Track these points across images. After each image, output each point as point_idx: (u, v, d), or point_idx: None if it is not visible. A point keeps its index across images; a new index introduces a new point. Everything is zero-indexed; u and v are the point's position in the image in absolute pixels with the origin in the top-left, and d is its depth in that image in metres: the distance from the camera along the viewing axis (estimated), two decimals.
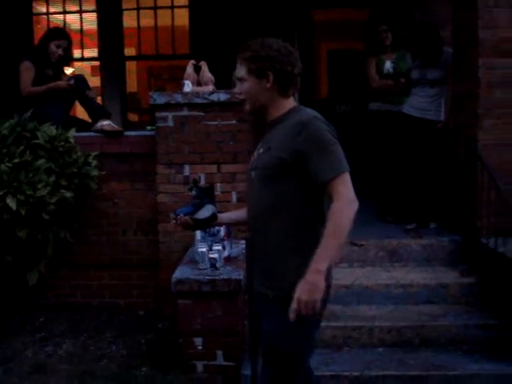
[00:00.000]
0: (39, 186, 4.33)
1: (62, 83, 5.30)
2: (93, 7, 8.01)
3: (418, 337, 4.26)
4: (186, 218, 2.71)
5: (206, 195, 2.76)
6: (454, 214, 5.34)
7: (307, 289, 2.27)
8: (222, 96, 4.74)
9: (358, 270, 4.87)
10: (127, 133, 5.26)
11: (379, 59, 6.01)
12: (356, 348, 4.23)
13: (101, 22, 7.98)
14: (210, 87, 5.00)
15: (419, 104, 5.52)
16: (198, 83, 5.06)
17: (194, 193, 2.83)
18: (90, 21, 8.07)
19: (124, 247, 5.14)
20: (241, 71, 2.56)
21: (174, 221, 2.76)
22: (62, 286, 5.25)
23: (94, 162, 4.76)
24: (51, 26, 7.98)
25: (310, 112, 2.49)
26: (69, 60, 5.81)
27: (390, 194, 5.88)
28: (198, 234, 4.27)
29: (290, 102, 2.57)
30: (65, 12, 8.09)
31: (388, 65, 5.89)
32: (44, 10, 8.13)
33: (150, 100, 4.81)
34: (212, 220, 2.76)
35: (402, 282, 4.65)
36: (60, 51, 5.38)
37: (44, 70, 5.37)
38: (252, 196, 2.58)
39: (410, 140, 5.53)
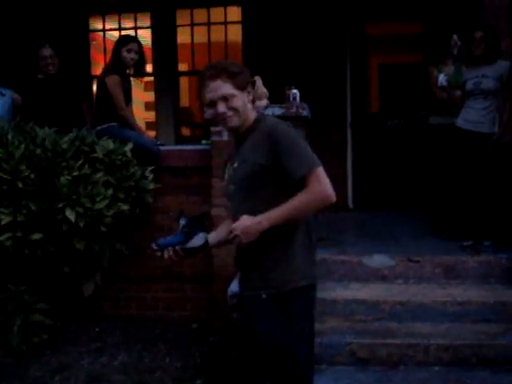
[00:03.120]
0: (97, 198, 4.42)
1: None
2: (148, 24, 8.18)
3: (475, 356, 4.16)
4: (177, 248, 2.60)
5: (197, 223, 2.67)
6: None
7: (242, 229, 2.42)
8: (277, 110, 4.76)
9: (414, 286, 4.78)
10: (182, 147, 5.33)
11: (438, 69, 5.97)
12: (411, 366, 4.15)
13: (155, 38, 8.14)
14: (264, 102, 5.03)
15: (473, 117, 5.42)
16: (253, 98, 5.08)
17: (182, 222, 2.70)
18: (145, 37, 8.23)
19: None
20: (226, 89, 2.53)
21: (159, 253, 2.63)
22: (117, 297, 5.34)
23: (151, 176, 4.83)
24: (107, 42, 8.19)
25: (274, 118, 2.64)
26: (144, 64, 5.61)
27: (446, 209, 5.79)
28: None
29: (254, 112, 2.66)
30: (120, 28, 8.26)
31: (441, 78, 5.82)
32: (100, 26, 8.34)
33: (205, 114, 4.86)
34: (204, 248, 2.69)
35: (459, 299, 4.55)
36: (132, 55, 5.34)
37: (124, 81, 5.36)
38: (236, 209, 2.61)
39: (464, 154, 5.43)
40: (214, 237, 2.77)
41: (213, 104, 2.56)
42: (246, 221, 2.44)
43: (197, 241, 2.64)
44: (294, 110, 4.76)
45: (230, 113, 2.54)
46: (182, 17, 8.07)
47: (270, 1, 7.53)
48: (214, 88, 2.53)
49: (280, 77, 6.08)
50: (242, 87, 2.55)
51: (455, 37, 5.94)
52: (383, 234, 5.93)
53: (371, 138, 7.80)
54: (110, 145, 4.70)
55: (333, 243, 5.29)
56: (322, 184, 2.44)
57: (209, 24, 8.00)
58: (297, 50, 7.41)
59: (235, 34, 7.96)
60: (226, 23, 7.98)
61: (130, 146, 4.77)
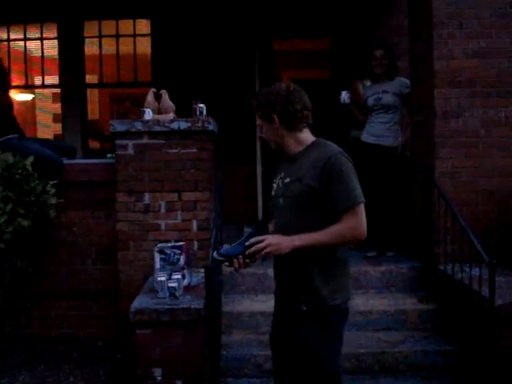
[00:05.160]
0: None
1: None
2: (54, 34, 8.01)
3: (377, 364, 4.29)
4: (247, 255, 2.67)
5: (263, 230, 2.78)
6: (413, 241, 5.41)
7: (277, 241, 2.64)
8: (183, 124, 4.74)
9: None
10: (87, 160, 5.22)
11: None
12: None
13: (62, 49, 7.97)
14: (171, 115, 5.01)
15: (376, 131, 5.62)
16: (159, 111, 5.06)
17: (248, 229, 2.79)
18: (52, 48, 8.06)
19: (83, 276, 5.07)
20: (257, 119, 2.85)
21: (227, 263, 2.71)
22: (18, 316, 5.14)
23: (53, 190, 4.69)
24: (12, 52, 7.96)
25: (336, 147, 2.78)
26: (4, 76, 5.23)
27: None
28: (158, 262, 4.25)
29: (308, 136, 2.85)
30: (26, 39, 8.08)
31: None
32: (5, 36, 8.09)
33: (111, 128, 4.80)
34: None
35: (362, 308, 4.68)
36: None
37: None
38: (281, 220, 2.80)
39: (368, 167, 5.58)
40: None
41: None
42: (281, 237, 2.67)
43: None
44: (200, 123, 4.76)
45: (264, 137, 2.91)
46: (90, 28, 7.96)
47: (179, 14, 7.54)
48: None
49: (188, 91, 6.08)
50: (265, 118, 2.80)
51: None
52: None
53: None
54: (10, 159, 4.54)
55: None
56: (357, 222, 2.66)
57: (117, 36, 7.93)
58: (205, 64, 7.44)
59: (144, 46, 7.92)
60: (134, 35, 7.94)
61: (30, 159, 4.61)
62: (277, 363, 2.98)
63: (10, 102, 5.29)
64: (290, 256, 2.69)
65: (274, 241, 2.64)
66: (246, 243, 2.63)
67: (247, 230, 2.81)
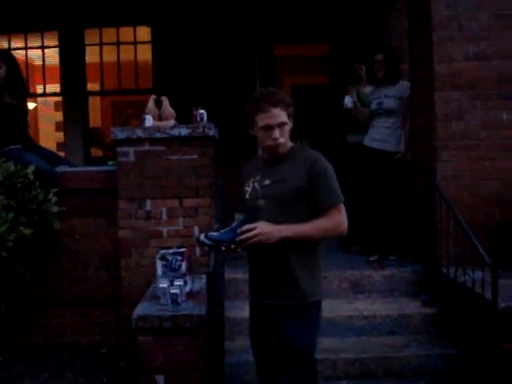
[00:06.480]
0: None
1: None
2: (55, 43, 8.04)
3: (381, 368, 4.27)
4: (237, 240, 2.70)
5: (254, 218, 2.77)
6: (415, 245, 5.40)
7: (267, 230, 2.69)
8: (183, 131, 4.75)
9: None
10: (88, 168, 5.22)
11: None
12: (320, 381, 4.14)
13: (63, 57, 8.01)
14: (171, 122, 5.01)
15: (378, 135, 5.61)
16: (160, 118, 5.07)
17: (239, 217, 2.84)
18: (53, 56, 8.10)
19: (86, 284, 5.06)
20: (282, 117, 2.79)
21: (224, 248, 2.75)
22: (21, 324, 5.13)
23: (54, 198, 4.69)
24: None
25: (316, 152, 2.90)
26: (17, 81, 5.15)
27: (354, 224, 5.90)
28: (159, 269, 4.25)
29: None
30: (27, 47, 8.11)
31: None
32: (6, 45, 8.14)
33: (112, 135, 4.80)
34: None
35: (365, 313, 4.66)
36: None
37: (3, 98, 5.04)
38: (266, 220, 2.77)
39: (371, 172, 5.59)
40: None
41: (269, 128, 2.77)
42: (271, 226, 2.71)
43: None
44: (201, 129, 4.77)
45: (282, 139, 2.80)
46: (91, 36, 8.00)
47: (180, 21, 7.57)
48: (274, 114, 2.76)
49: (189, 97, 6.10)
50: (291, 117, 2.85)
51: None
52: None
53: None
54: (11, 167, 4.54)
55: (242, 262, 5.28)
56: (341, 217, 2.82)
57: (118, 43, 7.96)
58: (206, 70, 7.46)
59: (145, 53, 7.95)
60: (135, 43, 7.97)
61: (32, 168, 4.62)
62: (260, 361, 3.03)
63: (25, 112, 5.31)
64: (272, 250, 2.74)
65: (264, 230, 2.68)
66: (238, 231, 2.66)
67: (238, 216, 2.84)
